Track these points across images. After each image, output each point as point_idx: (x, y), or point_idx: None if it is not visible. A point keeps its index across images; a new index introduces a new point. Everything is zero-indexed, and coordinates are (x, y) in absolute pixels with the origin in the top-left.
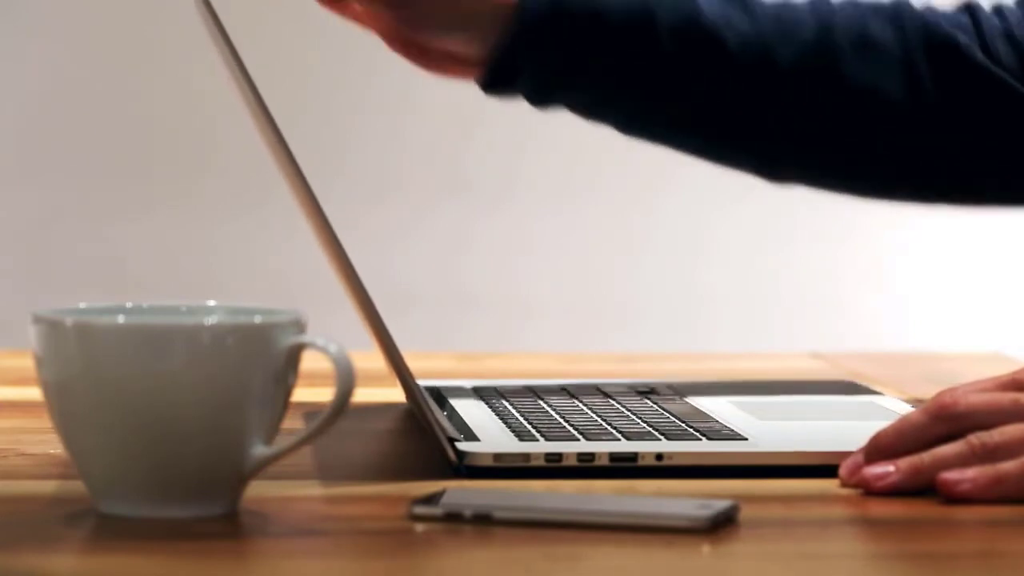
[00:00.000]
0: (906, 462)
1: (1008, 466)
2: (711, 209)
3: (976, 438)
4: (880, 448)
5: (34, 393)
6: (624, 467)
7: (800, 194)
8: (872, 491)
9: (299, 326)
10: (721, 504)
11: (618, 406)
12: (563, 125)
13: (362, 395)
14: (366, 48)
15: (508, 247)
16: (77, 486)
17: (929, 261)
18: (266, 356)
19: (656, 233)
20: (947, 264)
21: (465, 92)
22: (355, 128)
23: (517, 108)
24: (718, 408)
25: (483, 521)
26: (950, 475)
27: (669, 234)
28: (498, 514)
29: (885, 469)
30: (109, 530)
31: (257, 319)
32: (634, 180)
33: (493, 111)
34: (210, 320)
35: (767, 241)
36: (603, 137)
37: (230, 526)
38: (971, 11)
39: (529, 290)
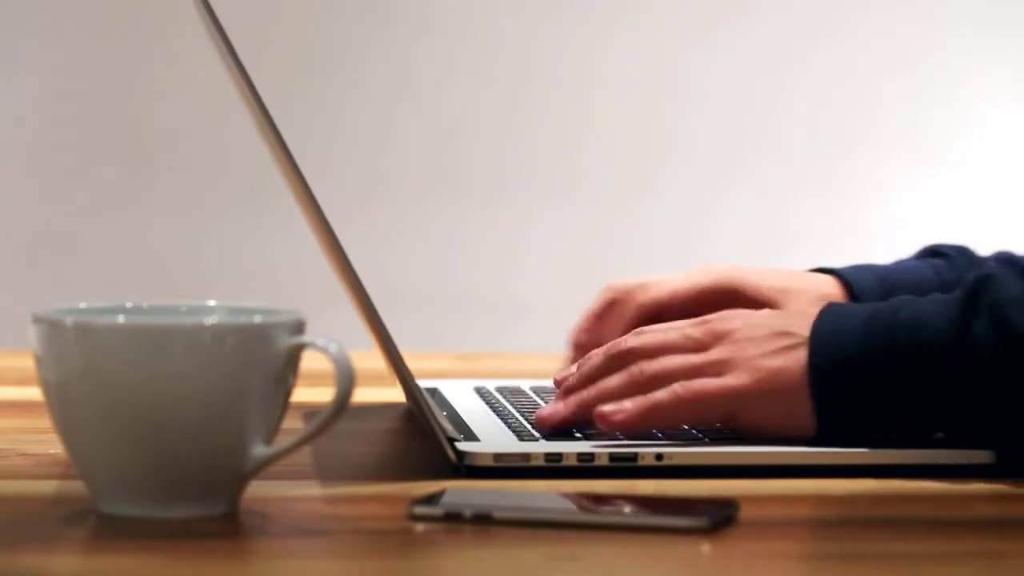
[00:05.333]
0: (574, 398)
1: (660, 394)
2: (704, 206)
3: (637, 367)
4: (566, 389)
5: (34, 393)
6: (624, 467)
7: (794, 192)
8: (544, 427)
9: (299, 326)
10: (721, 504)
11: None
12: (554, 122)
13: (362, 395)
14: (357, 47)
15: (500, 245)
16: (77, 486)
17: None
18: (266, 356)
19: (649, 230)
20: None
21: (456, 90)
22: (346, 126)
23: (508, 106)
24: None
25: (483, 521)
26: (606, 407)
27: (661, 231)
28: (498, 514)
29: (555, 407)
30: (109, 530)
31: (257, 319)
32: (626, 177)
33: (484, 109)
34: (210, 320)
35: (761, 239)
36: (594, 134)
37: (230, 526)
38: None
39: (521, 288)
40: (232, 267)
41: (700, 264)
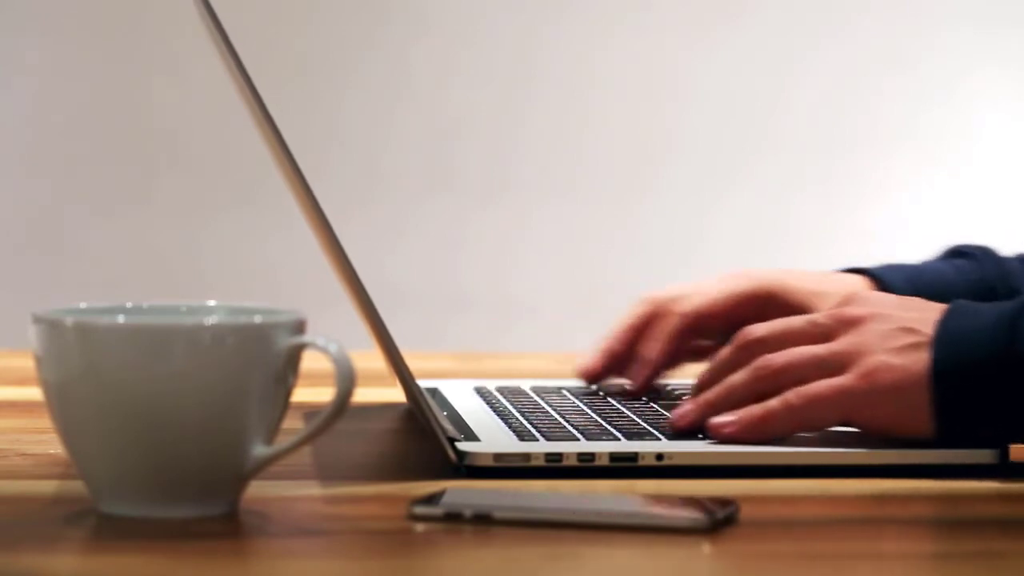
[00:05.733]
0: (701, 398)
1: (773, 403)
2: (703, 207)
3: (762, 361)
4: (699, 386)
5: (34, 393)
6: (624, 467)
7: (794, 192)
8: (677, 430)
9: (299, 326)
10: (721, 504)
11: (618, 406)
12: (554, 122)
13: (362, 395)
14: (358, 47)
15: (500, 245)
16: (77, 486)
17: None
18: (266, 356)
19: (648, 230)
20: None
21: (456, 90)
22: (346, 126)
23: (508, 106)
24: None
25: (483, 521)
26: (717, 420)
27: (661, 231)
28: (498, 514)
29: (685, 410)
30: (109, 530)
31: (257, 319)
32: (626, 177)
33: (484, 109)
34: (210, 320)
35: (759, 239)
36: (594, 134)
37: (230, 526)
38: None
39: (521, 288)
40: (232, 267)
41: (735, 271)
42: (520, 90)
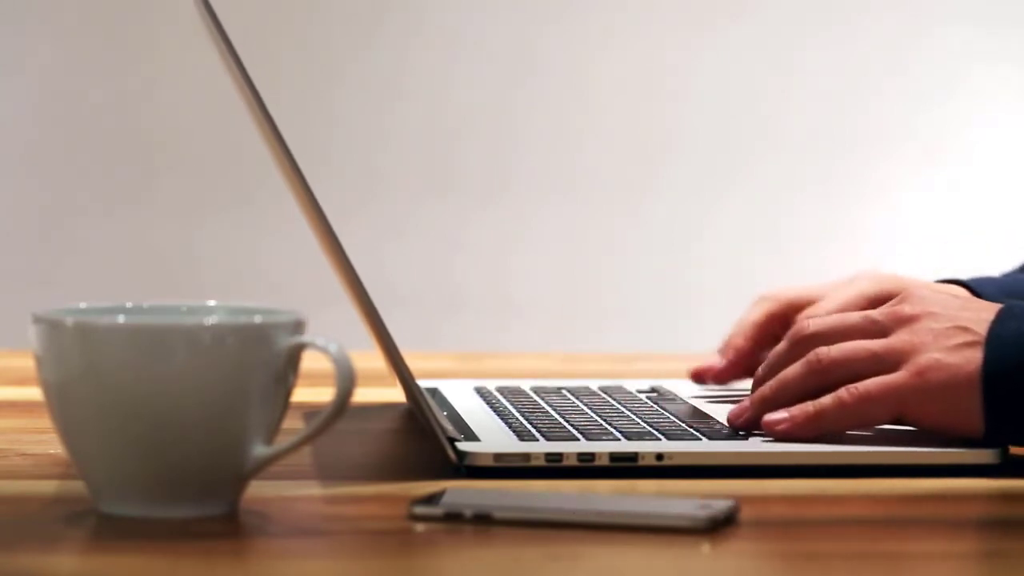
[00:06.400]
0: (757, 395)
1: (826, 401)
2: (702, 207)
3: (815, 355)
4: (755, 380)
5: (34, 393)
6: (624, 467)
7: (794, 192)
8: (738, 428)
9: (299, 326)
10: (721, 504)
11: (618, 406)
12: (554, 122)
13: (362, 395)
14: (357, 47)
15: (499, 245)
16: (77, 486)
17: (923, 259)
18: (266, 356)
19: (647, 231)
20: (941, 262)
21: (456, 90)
22: (346, 126)
23: (508, 106)
24: (718, 408)
25: (483, 521)
26: (771, 417)
27: (660, 232)
28: (498, 514)
29: (743, 406)
30: (109, 530)
31: (257, 319)
32: (624, 178)
33: (484, 109)
34: (210, 320)
35: (759, 239)
36: (594, 134)
37: (230, 526)
38: None
39: (520, 288)
40: (232, 267)
41: (857, 273)
42: (520, 90)
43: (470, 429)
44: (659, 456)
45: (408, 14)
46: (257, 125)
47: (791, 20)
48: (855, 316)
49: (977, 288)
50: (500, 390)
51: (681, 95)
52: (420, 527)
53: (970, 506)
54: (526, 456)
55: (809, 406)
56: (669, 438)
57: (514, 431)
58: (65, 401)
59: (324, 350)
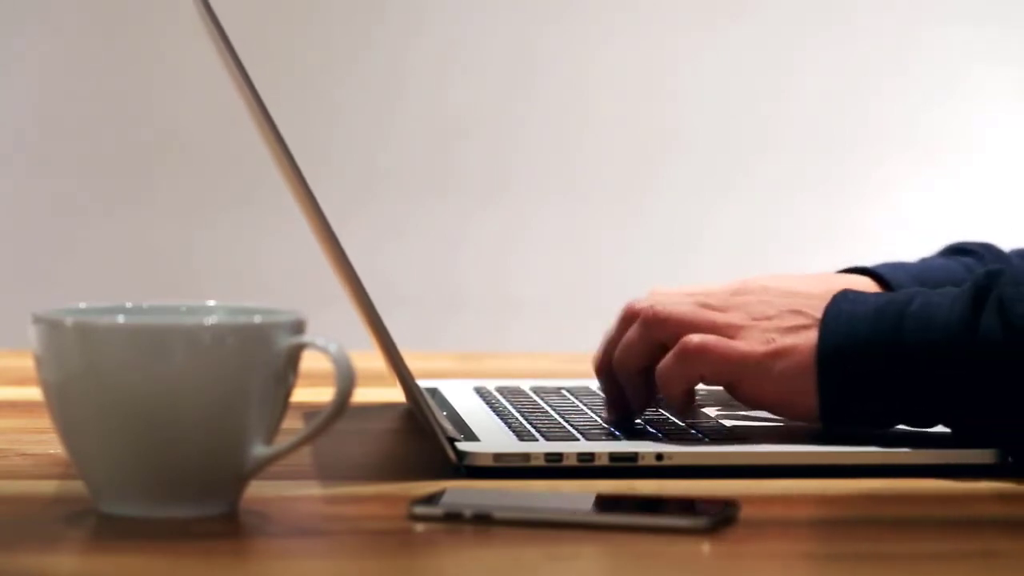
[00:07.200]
0: (600, 364)
1: (667, 357)
2: (702, 207)
3: (650, 308)
4: (599, 368)
5: (34, 393)
6: (624, 467)
7: (794, 192)
8: (615, 418)
9: (299, 326)
10: (721, 504)
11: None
12: (554, 122)
13: (362, 395)
14: (357, 46)
15: (499, 245)
16: (77, 486)
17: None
18: (266, 356)
19: (647, 231)
20: None
21: (456, 90)
22: (345, 126)
23: (508, 106)
24: (718, 408)
25: (483, 521)
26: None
27: (660, 232)
28: (498, 514)
29: (602, 385)
30: (109, 530)
31: (257, 319)
32: (625, 177)
33: (484, 109)
34: (210, 320)
35: (759, 239)
36: (594, 134)
37: (230, 526)
38: None
39: (520, 288)
40: (232, 267)
41: (742, 281)
42: (520, 90)
43: (470, 429)
44: (659, 456)
45: (408, 14)
46: (257, 125)
47: (791, 20)
48: (687, 301)
49: (886, 275)
50: (500, 390)
51: (681, 95)
52: (420, 527)
53: (970, 506)
54: (526, 456)
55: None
56: (669, 438)
57: (514, 431)
58: (65, 401)
59: (324, 350)
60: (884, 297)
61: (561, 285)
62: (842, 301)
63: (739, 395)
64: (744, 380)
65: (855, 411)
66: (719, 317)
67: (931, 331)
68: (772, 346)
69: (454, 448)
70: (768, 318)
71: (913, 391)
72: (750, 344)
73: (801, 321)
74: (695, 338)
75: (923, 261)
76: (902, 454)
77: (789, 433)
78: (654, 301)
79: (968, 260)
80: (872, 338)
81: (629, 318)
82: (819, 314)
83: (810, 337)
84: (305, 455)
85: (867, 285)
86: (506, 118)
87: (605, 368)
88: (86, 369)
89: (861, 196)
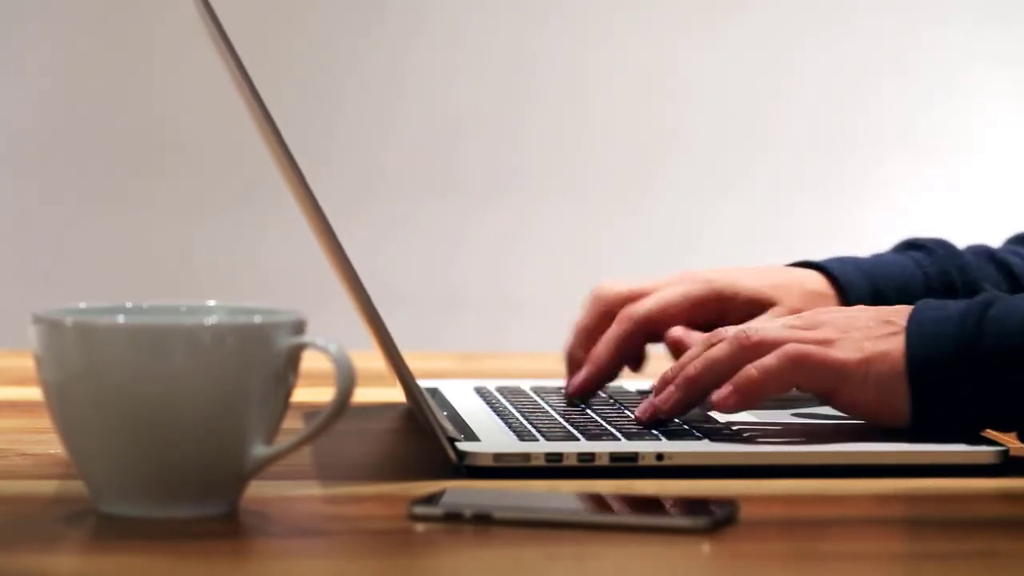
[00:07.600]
0: (682, 377)
1: (769, 360)
2: (702, 207)
3: (743, 332)
4: (666, 379)
5: (34, 393)
6: (624, 467)
7: (794, 192)
8: (664, 415)
9: (299, 326)
10: (721, 504)
11: (618, 406)
12: (554, 122)
13: (362, 395)
14: (357, 46)
15: (499, 245)
16: (77, 486)
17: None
18: (266, 356)
19: (647, 231)
20: None
21: (456, 90)
22: (346, 126)
23: (508, 106)
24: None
25: (483, 521)
26: (717, 395)
27: (660, 232)
28: (498, 514)
29: (668, 392)
30: (109, 530)
31: (257, 319)
32: (626, 177)
33: (484, 109)
34: (210, 320)
35: (759, 239)
36: (594, 134)
37: (230, 526)
38: None
39: (520, 288)
40: (231, 267)
41: (684, 272)
42: (520, 90)
43: (470, 429)
44: (659, 456)
45: (408, 14)
46: (257, 125)
47: (791, 20)
48: (774, 324)
49: (835, 272)
50: (500, 390)
51: (681, 95)
52: (420, 527)
53: (970, 506)
54: (526, 456)
55: (751, 369)
56: (669, 438)
57: (514, 431)
58: (65, 401)
59: (324, 350)
60: (963, 303)
61: (561, 285)
62: (925, 307)
63: (836, 403)
64: (842, 388)
65: (941, 416)
66: (809, 335)
67: (1007, 337)
68: (865, 353)
69: (454, 448)
70: (856, 329)
71: (996, 397)
72: (845, 352)
73: (890, 329)
74: (797, 346)
75: (875, 256)
76: (902, 454)
77: (789, 433)
78: (744, 326)
79: (918, 255)
80: (957, 344)
81: (712, 340)
82: (904, 321)
83: (899, 342)
84: (305, 455)
85: (818, 280)
86: (506, 118)
87: (577, 356)
88: (86, 369)
89: (861, 196)
